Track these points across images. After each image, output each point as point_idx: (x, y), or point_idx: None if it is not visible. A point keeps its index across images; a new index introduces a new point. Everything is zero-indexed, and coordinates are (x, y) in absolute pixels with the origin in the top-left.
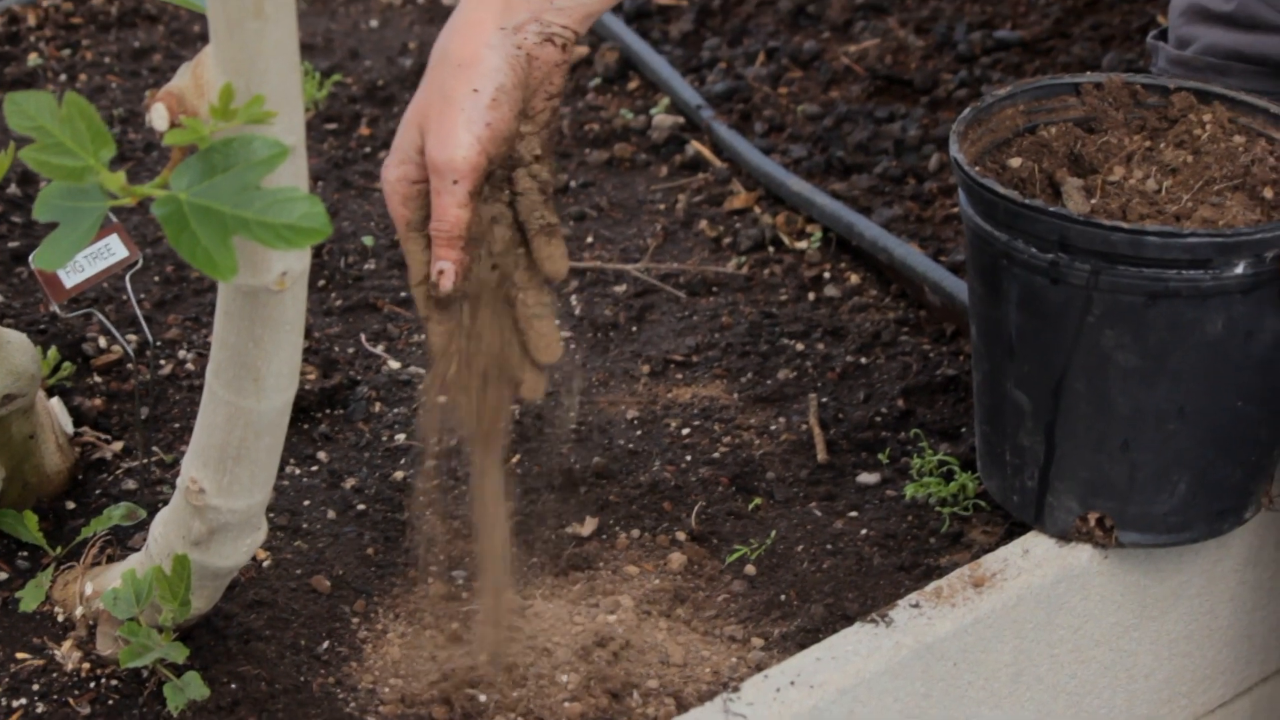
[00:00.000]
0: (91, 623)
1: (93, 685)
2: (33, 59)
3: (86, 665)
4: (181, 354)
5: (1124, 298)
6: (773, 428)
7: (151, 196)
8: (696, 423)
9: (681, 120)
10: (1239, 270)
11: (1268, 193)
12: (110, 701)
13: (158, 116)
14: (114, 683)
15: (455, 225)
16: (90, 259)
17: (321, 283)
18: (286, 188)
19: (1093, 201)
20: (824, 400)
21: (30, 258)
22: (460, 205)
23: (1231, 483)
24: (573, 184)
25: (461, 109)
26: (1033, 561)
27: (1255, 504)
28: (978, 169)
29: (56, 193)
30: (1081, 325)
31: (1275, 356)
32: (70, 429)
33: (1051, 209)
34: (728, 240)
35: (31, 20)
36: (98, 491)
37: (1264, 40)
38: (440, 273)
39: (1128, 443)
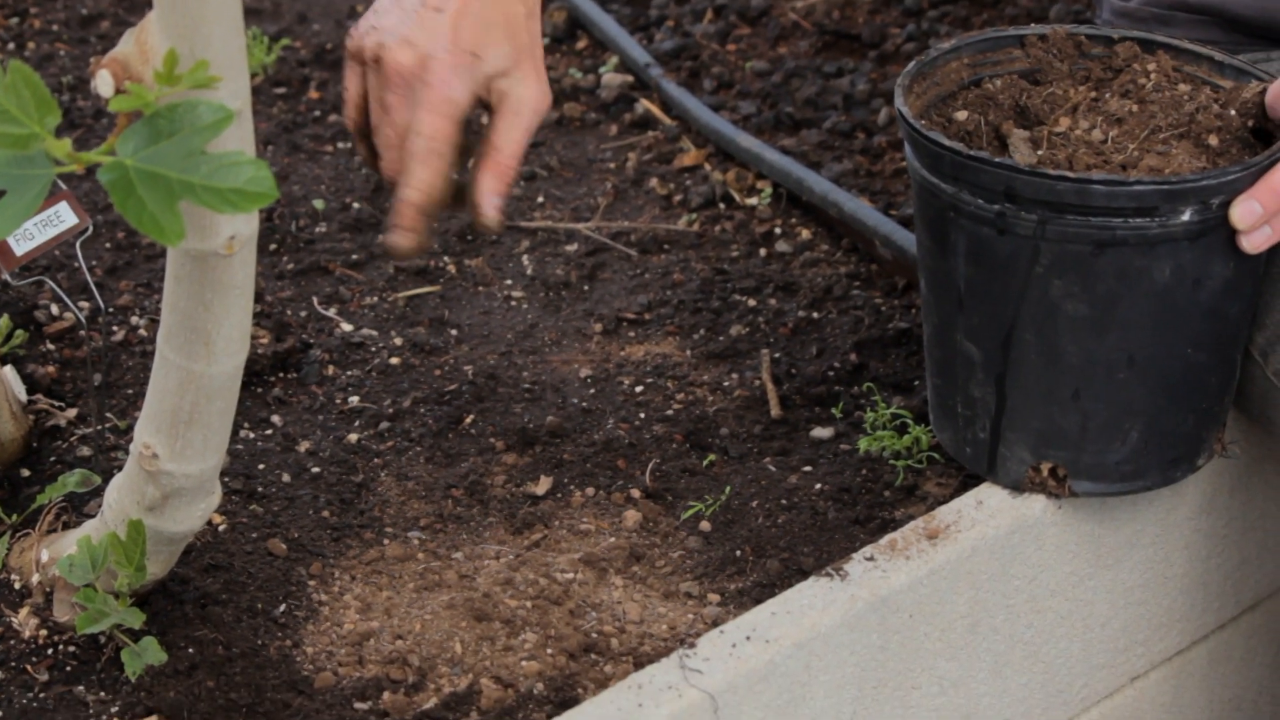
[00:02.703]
0: (48, 589)
1: (50, 652)
2: None
3: (44, 632)
4: (134, 320)
5: (1071, 247)
6: (726, 384)
7: (99, 163)
8: (650, 380)
9: (630, 79)
10: (1186, 217)
11: (1213, 140)
12: (68, 668)
13: (103, 83)
14: (71, 649)
15: (519, 160)
16: (40, 226)
17: (273, 247)
18: (232, 152)
19: (1039, 153)
20: (776, 356)
21: None
22: (526, 138)
23: (1183, 430)
24: None
25: (541, 63)
26: (987, 513)
27: (1208, 451)
28: (924, 122)
29: (3, 161)
30: (1030, 276)
31: (1224, 303)
32: (24, 397)
33: (997, 160)
34: (678, 198)
35: None
36: (52, 459)
37: None
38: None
39: (1078, 392)
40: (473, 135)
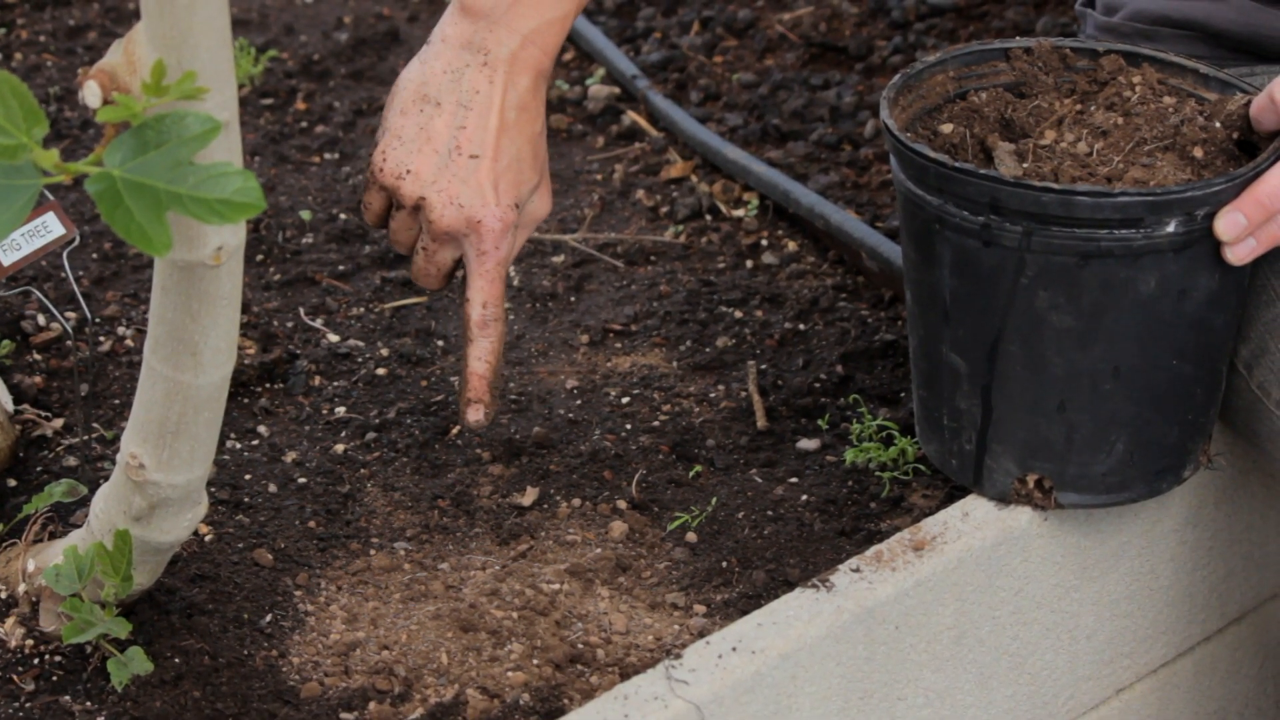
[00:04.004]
0: (34, 599)
1: (36, 662)
2: None
3: (30, 642)
4: (121, 330)
5: (1057, 259)
6: (712, 395)
7: (86, 173)
8: (636, 391)
9: (617, 90)
10: (1171, 229)
11: (1198, 152)
12: (54, 678)
13: (90, 94)
14: (58, 659)
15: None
16: (27, 237)
17: (259, 257)
18: (220, 163)
19: (1025, 165)
20: (763, 367)
21: None
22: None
23: (1169, 442)
24: None
25: (548, 169)
26: (972, 524)
27: (1193, 463)
28: (909, 135)
29: None
30: (1015, 287)
31: (1209, 315)
32: (10, 407)
33: (982, 172)
34: (665, 209)
35: None
36: (39, 469)
37: (1190, 4)
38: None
39: (1064, 404)
40: None
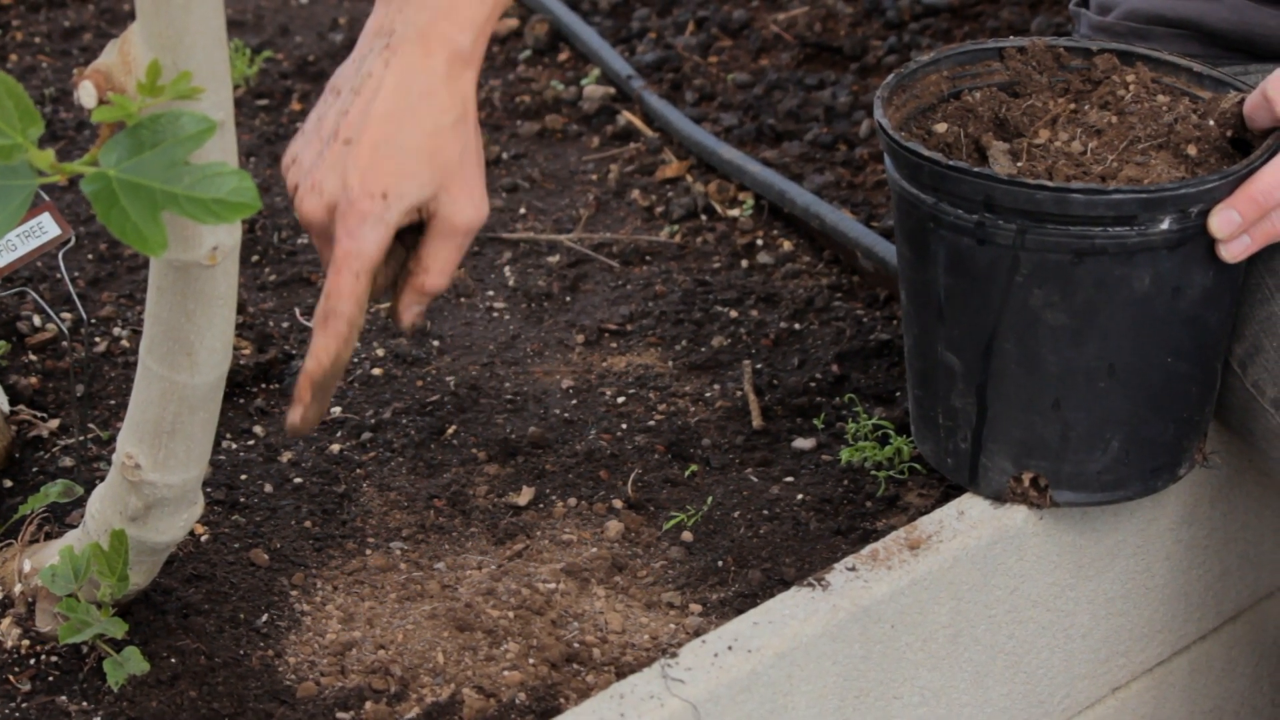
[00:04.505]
0: (30, 600)
1: (32, 662)
2: None
3: (26, 642)
4: (116, 331)
5: (1051, 256)
6: (708, 395)
7: (81, 173)
8: (632, 391)
9: (612, 91)
10: (1165, 226)
11: (1192, 150)
12: (50, 678)
13: (85, 94)
14: (54, 659)
15: (449, 278)
16: (23, 237)
17: (255, 258)
18: (215, 163)
19: (1019, 164)
20: (758, 367)
21: None
22: (458, 257)
23: (1164, 440)
24: (504, 156)
25: (481, 168)
26: (968, 523)
27: (1189, 461)
28: (903, 134)
29: None
30: (1010, 285)
31: (1204, 312)
32: (6, 408)
33: (976, 170)
34: (660, 209)
35: None
36: (34, 469)
37: (1184, 3)
38: (417, 315)
39: (1059, 402)
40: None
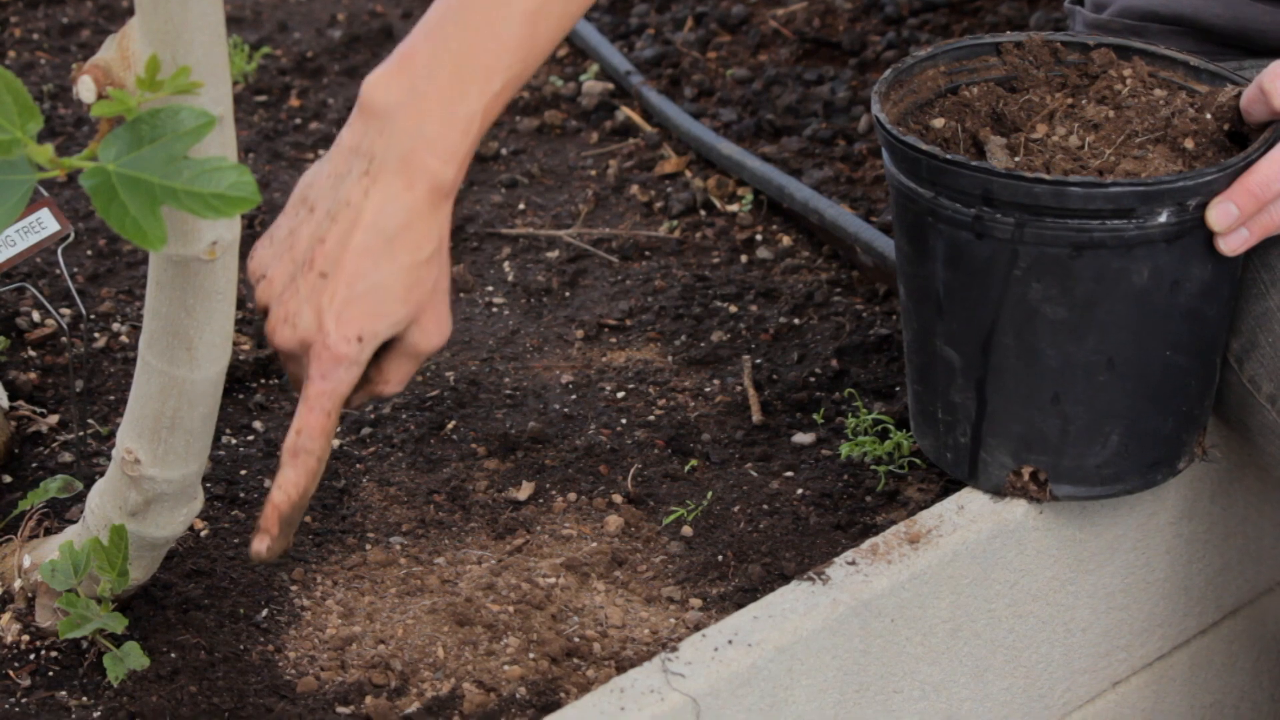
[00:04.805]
0: (30, 595)
1: (32, 657)
2: None
3: (26, 637)
4: (115, 326)
5: (1049, 250)
6: (707, 390)
7: (80, 168)
8: (631, 386)
9: (611, 86)
10: (1163, 219)
11: (1189, 144)
12: (50, 673)
13: (84, 89)
14: (54, 654)
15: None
16: (22, 233)
17: None
18: (215, 157)
19: (1016, 159)
20: (758, 362)
21: None
22: (415, 368)
23: (1163, 433)
24: (503, 152)
25: (448, 291)
26: (968, 517)
27: (1188, 455)
28: (901, 129)
29: None
30: (1008, 279)
31: (1202, 305)
32: (5, 403)
33: (974, 163)
34: (659, 205)
35: None
36: (34, 465)
37: (1179, 0)
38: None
39: (1058, 395)
40: None
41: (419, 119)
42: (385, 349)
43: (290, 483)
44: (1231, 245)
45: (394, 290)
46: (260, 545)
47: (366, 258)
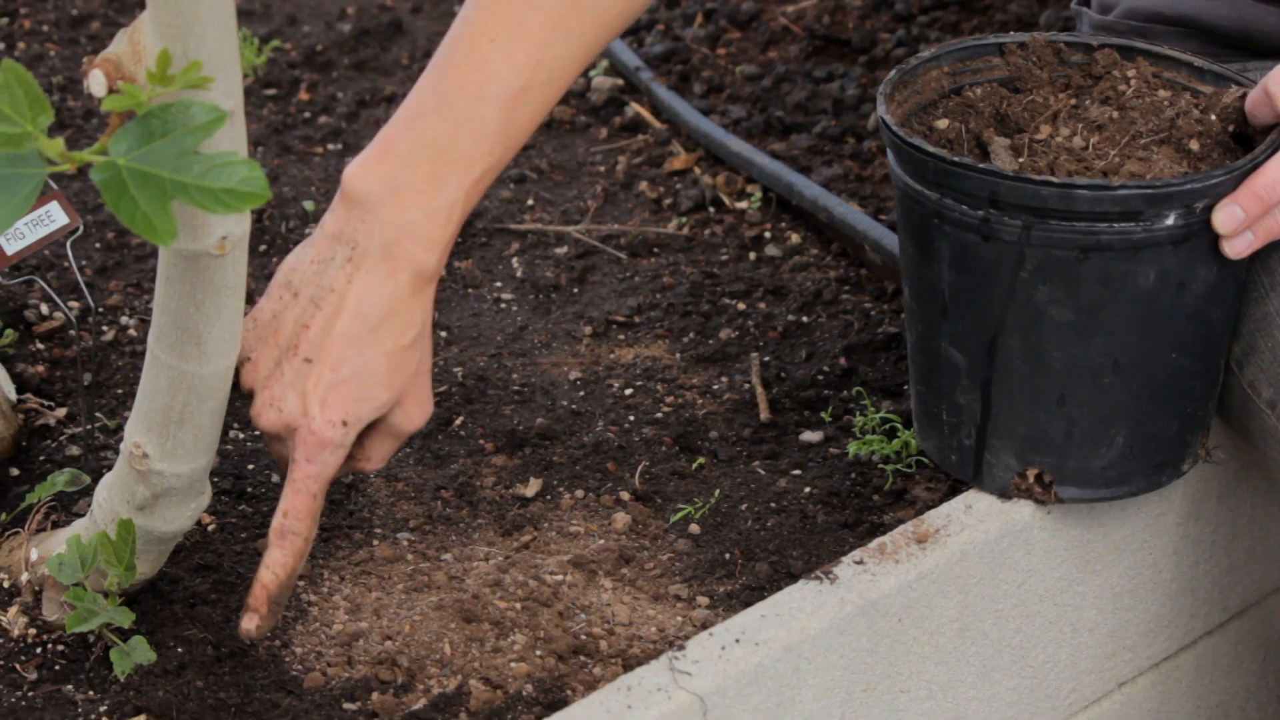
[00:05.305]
0: (37, 588)
1: (39, 651)
2: None
3: (33, 631)
4: (124, 320)
5: (1056, 252)
6: (715, 387)
7: (90, 162)
8: (639, 383)
9: (620, 82)
10: (1170, 221)
11: (1194, 145)
12: (57, 667)
13: (95, 82)
14: (60, 648)
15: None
16: (31, 226)
17: (263, 247)
18: (225, 152)
19: (1020, 160)
20: (766, 359)
21: None
22: (396, 447)
23: (1169, 435)
24: None
25: (428, 376)
26: (976, 517)
27: (1193, 456)
28: (905, 130)
29: None
30: (1014, 281)
31: (1208, 308)
32: (13, 396)
33: (981, 165)
34: (668, 201)
35: None
36: (41, 458)
37: (1183, 1)
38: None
39: (1064, 398)
40: None
41: (400, 209)
42: (368, 428)
43: (278, 563)
44: (1236, 248)
45: (378, 375)
46: (249, 624)
47: (350, 344)
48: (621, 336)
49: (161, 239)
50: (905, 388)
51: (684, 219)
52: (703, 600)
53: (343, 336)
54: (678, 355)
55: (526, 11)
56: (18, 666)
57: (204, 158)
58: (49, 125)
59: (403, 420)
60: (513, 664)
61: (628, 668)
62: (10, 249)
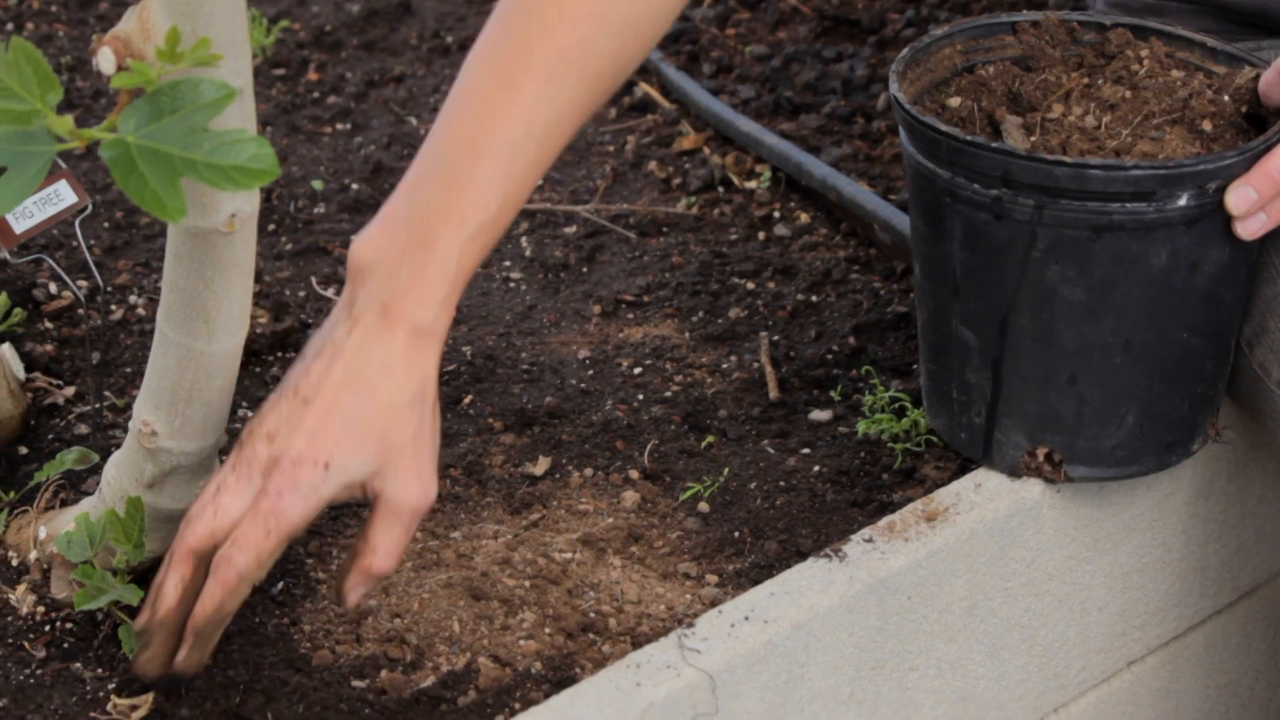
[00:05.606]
0: (46, 567)
1: (48, 629)
2: None
3: (41, 609)
4: (132, 299)
5: (1068, 232)
6: (724, 366)
7: (100, 140)
8: (648, 362)
9: None
10: (1182, 202)
11: (1207, 125)
12: (65, 645)
13: (104, 60)
14: (69, 626)
15: (397, 560)
16: (40, 204)
17: (271, 227)
18: (234, 129)
19: (1032, 139)
20: (775, 338)
21: None
22: (406, 537)
23: (1179, 415)
24: None
25: (435, 449)
26: (985, 495)
27: (1203, 436)
28: (918, 108)
29: (4, 137)
30: (1026, 260)
31: (1219, 288)
32: (22, 375)
33: (994, 145)
34: (677, 181)
35: None
36: (50, 436)
37: None
38: (361, 596)
39: (1075, 377)
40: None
41: (394, 267)
42: (371, 515)
43: (207, 594)
44: (1249, 229)
45: (370, 427)
46: (179, 655)
47: (347, 391)
48: (630, 315)
49: (170, 216)
50: (914, 367)
51: (693, 199)
52: (712, 578)
53: (340, 383)
54: (687, 334)
55: (516, 69)
56: (26, 644)
57: (213, 135)
58: (57, 102)
59: (399, 492)
60: (521, 641)
61: (636, 645)
62: (19, 227)
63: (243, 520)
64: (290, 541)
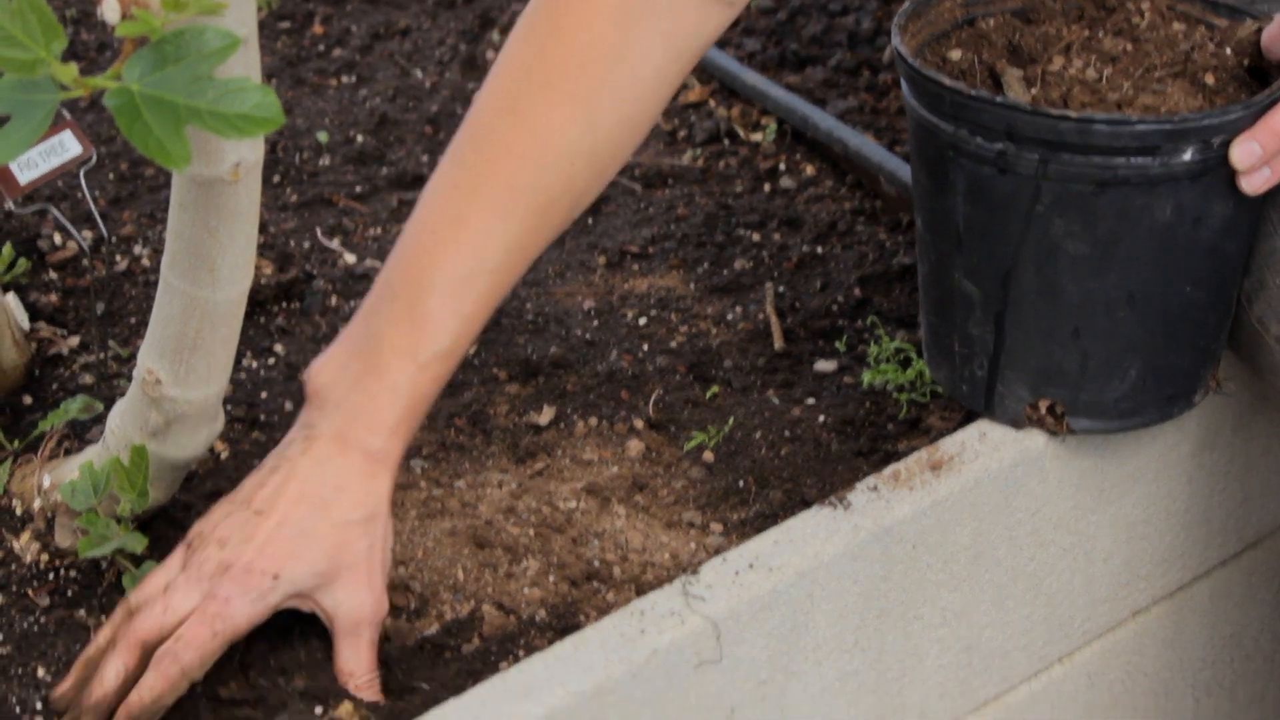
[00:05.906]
0: (49, 515)
1: (51, 577)
2: None
3: (45, 557)
4: (137, 250)
5: (1073, 186)
6: (729, 317)
7: (104, 89)
8: (653, 313)
9: None
10: (1187, 157)
11: (1209, 79)
12: (69, 592)
13: (109, 9)
14: (73, 574)
15: (376, 670)
16: (44, 155)
17: (276, 178)
18: (239, 78)
19: (1033, 91)
20: (781, 289)
21: None
22: (372, 650)
23: (1181, 368)
24: None
25: (386, 568)
26: (990, 445)
27: (1204, 388)
28: (920, 61)
29: (8, 85)
30: (1030, 214)
31: (1223, 242)
32: (26, 325)
33: (999, 99)
34: (683, 133)
35: None
36: (54, 386)
37: None
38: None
39: (1078, 330)
40: None
41: (347, 393)
42: (334, 643)
43: (147, 685)
44: (1254, 184)
45: (320, 542)
46: None
47: (300, 505)
48: (636, 267)
49: (175, 164)
50: (919, 318)
51: (698, 151)
52: (716, 527)
53: (294, 498)
54: (692, 285)
55: (465, 203)
56: (30, 592)
57: (218, 83)
58: (62, 51)
59: (352, 605)
60: (526, 589)
61: (641, 593)
62: (23, 178)
63: (190, 618)
64: (232, 644)
